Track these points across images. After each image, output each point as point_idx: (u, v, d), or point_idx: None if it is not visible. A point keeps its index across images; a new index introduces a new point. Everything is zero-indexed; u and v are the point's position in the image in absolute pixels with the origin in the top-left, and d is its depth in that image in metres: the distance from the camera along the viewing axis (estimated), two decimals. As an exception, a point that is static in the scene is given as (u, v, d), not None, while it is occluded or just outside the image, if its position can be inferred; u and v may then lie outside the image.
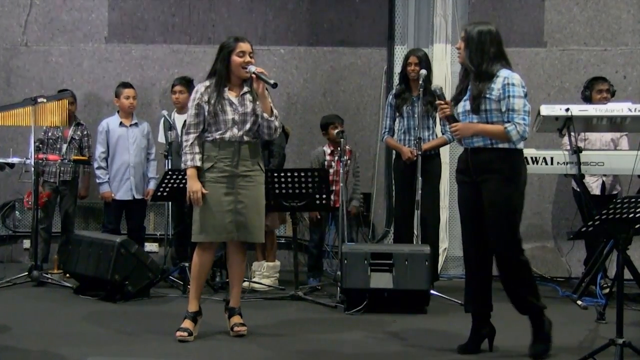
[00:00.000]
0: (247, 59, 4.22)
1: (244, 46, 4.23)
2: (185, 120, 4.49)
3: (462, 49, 3.90)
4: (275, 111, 4.27)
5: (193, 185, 4.19)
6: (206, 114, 4.21)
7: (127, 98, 6.43)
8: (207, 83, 4.28)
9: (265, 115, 4.22)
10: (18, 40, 7.34)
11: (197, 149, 4.24)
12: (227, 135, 4.20)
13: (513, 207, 3.85)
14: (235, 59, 4.22)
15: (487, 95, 3.82)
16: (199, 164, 4.22)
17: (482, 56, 3.84)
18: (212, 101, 4.20)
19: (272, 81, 4.13)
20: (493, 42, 3.87)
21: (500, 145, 3.82)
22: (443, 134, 5.89)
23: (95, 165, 6.43)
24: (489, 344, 4.01)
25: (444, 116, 4.08)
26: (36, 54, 7.34)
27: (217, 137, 4.21)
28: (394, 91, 6.01)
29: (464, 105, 3.97)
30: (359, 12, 7.26)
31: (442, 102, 4.03)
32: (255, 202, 4.24)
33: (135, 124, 6.50)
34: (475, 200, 3.89)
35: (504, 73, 3.85)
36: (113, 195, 6.37)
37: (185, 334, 4.13)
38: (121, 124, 6.45)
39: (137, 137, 6.47)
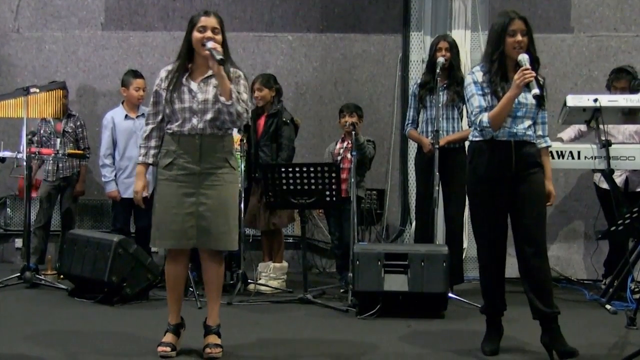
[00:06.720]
0: (209, 34, 3.87)
1: (206, 20, 3.90)
2: None
3: (526, 40, 3.87)
4: (236, 95, 3.85)
5: (136, 184, 4.08)
6: (164, 102, 3.97)
7: (137, 89, 6.32)
8: (170, 67, 4.02)
9: (222, 98, 3.85)
10: (9, 26, 7.36)
11: (152, 143, 4.04)
12: (186, 127, 3.90)
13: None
14: (196, 34, 3.89)
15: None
16: (150, 160, 4.04)
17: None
18: (170, 87, 3.94)
19: (218, 57, 3.78)
20: None
21: (535, 141, 3.99)
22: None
23: (100, 162, 6.36)
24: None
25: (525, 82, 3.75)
26: (28, 42, 7.36)
27: (176, 129, 3.93)
28: (418, 80, 5.96)
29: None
30: (372, -4, 7.25)
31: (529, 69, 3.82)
32: (221, 204, 3.91)
33: (143, 115, 6.27)
34: (508, 198, 3.90)
35: None
36: (120, 195, 6.27)
37: (168, 349, 3.95)
38: (127, 116, 6.34)
39: None
